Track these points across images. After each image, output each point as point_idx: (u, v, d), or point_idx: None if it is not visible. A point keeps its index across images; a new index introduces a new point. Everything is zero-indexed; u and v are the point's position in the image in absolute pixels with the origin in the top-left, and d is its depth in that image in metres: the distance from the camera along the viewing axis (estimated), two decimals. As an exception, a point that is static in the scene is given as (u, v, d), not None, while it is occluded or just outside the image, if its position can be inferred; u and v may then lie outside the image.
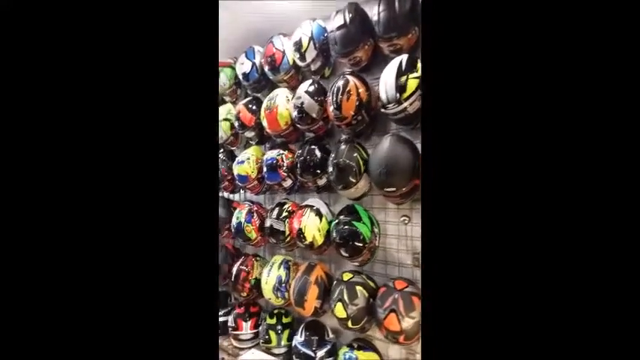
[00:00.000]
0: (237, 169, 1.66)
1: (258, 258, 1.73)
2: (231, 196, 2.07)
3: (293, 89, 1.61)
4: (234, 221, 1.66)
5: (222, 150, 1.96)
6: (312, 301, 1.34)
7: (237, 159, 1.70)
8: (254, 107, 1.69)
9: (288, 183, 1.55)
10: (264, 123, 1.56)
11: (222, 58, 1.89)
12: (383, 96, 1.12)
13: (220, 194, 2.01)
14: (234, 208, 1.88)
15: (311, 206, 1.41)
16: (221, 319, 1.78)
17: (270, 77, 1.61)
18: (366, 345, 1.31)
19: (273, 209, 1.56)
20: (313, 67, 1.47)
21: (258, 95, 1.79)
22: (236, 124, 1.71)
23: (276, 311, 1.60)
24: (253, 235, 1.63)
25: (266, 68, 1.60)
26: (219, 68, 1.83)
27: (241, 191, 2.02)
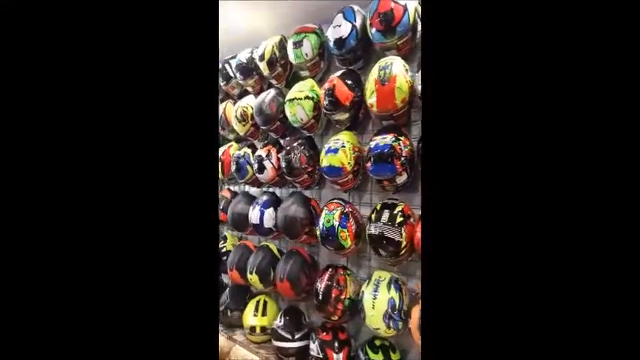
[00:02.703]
0: (327, 160, 1.32)
1: (348, 272, 1.40)
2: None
3: (404, 59, 1.27)
4: (323, 224, 1.32)
5: (297, 137, 1.63)
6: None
7: (326, 147, 1.35)
8: (350, 82, 1.35)
9: (402, 178, 1.20)
10: (372, 99, 1.20)
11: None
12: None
13: (296, 189, 1.68)
14: (313, 207, 1.55)
15: (446, 211, 1.05)
16: (297, 343, 1.45)
17: (377, 42, 1.26)
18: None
19: (379, 212, 1.22)
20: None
21: (352, 68, 1.45)
22: (325, 102, 1.36)
23: (378, 343, 1.26)
24: (348, 242, 1.29)
25: (372, 30, 1.25)
26: (303, 34, 1.49)
27: (316, 187, 1.68)
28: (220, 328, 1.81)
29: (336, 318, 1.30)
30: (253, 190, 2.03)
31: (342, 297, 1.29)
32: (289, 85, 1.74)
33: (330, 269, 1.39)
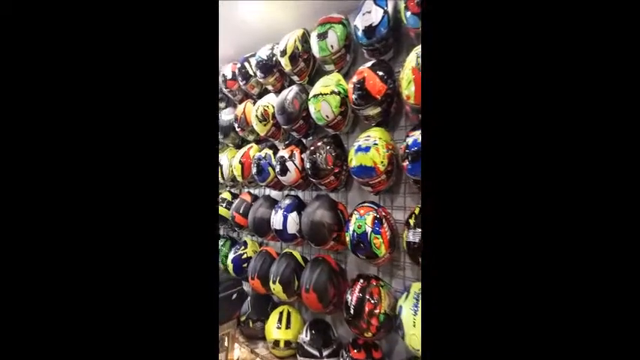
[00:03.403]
0: (358, 159, 1.20)
1: (382, 283, 1.26)
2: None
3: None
4: (354, 230, 1.20)
5: (322, 136, 1.52)
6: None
7: (356, 145, 1.24)
8: (382, 73, 1.23)
9: (445, 178, 1.06)
10: (409, 90, 1.08)
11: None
12: None
13: (321, 192, 1.57)
14: (341, 211, 1.43)
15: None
16: (326, 361, 1.33)
17: (413, 27, 1.13)
18: None
19: (418, 217, 1.08)
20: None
21: (382, 58, 1.33)
22: (354, 96, 1.25)
23: (419, 365, 1.12)
24: (382, 250, 1.16)
25: (407, 14, 1.13)
26: (328, 25, 1.39)
27: (342, 189, 1.56)
28: (242, 340, 1.71)
29: (369, 335, 1.17)
30: (274, 194, 1.94)
31: (377, 311, 1.16)
32: (312, 82, 1.65)
33: (361, 280, 1.26)
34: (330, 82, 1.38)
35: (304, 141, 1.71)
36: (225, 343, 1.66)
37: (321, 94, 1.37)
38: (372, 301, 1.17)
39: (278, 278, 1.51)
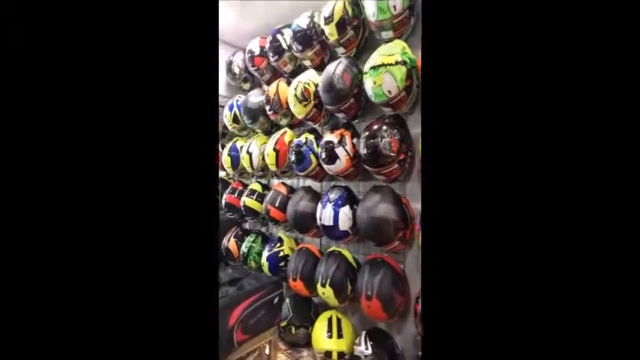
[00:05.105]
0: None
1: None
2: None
3: None
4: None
5: (381, 117, 1.30)
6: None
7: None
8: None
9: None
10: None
11: None
12: None
13: (378, 183, 1.36)
14: (405, 206, 1.23)
15: None
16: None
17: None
18: None
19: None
20: None
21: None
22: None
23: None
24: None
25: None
26: (391, -21, 1.15)
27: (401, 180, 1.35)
28: (283, 347, 1.55)
29: (456, 354, 0.99)
30: (309, 183, 1.74)
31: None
32: (357, 56, 1.42)
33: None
34: (393, 51, 1.15)
35: (352, 123, 1.49)
36: (267, 351, 1.50)
37: (383, 64, 1.14)
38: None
39: (329, 281, 1.33)
